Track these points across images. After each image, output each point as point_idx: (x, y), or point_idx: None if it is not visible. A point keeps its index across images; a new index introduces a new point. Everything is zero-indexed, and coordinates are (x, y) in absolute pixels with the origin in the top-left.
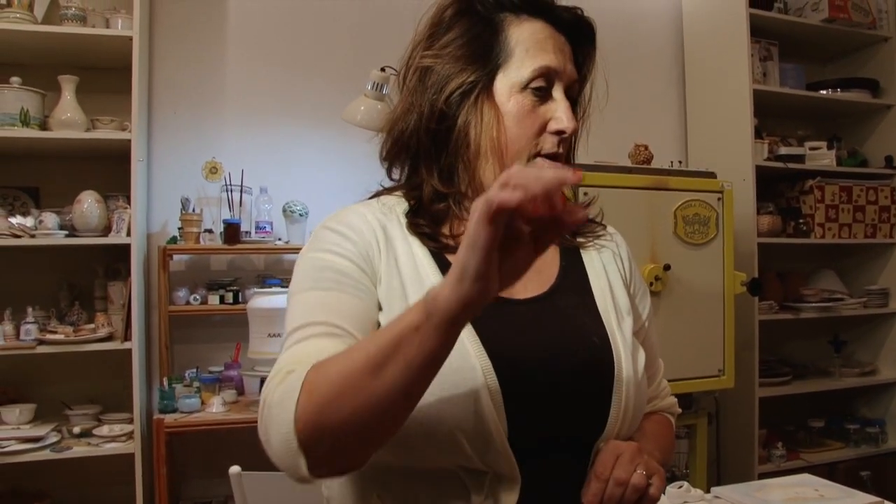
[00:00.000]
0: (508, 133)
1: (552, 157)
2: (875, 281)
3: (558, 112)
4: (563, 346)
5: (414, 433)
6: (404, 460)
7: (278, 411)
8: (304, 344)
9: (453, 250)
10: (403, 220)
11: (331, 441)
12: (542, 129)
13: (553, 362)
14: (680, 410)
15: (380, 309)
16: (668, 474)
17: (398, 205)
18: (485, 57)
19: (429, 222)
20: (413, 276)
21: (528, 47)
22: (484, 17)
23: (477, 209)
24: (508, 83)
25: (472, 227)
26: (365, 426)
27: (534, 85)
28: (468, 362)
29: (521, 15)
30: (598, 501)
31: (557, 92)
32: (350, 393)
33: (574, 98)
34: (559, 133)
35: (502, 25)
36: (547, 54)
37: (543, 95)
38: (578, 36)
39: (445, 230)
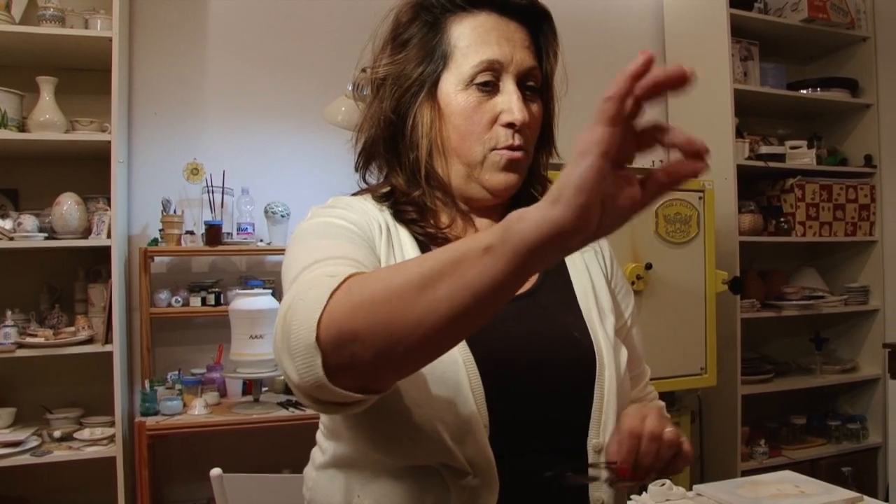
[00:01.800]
0: (458, 130)
1: (509, 148)
2: (855, 279)
3: (507, 104)
4: (545, 343)
5: (396, 424)
6: (387, 455)
7: (307, 303)
8: (324, 268)
9: (440, 240)
10: (390, 212)
11: (354, 349)
12: (494, 122)
13: (535, 358)
14: (668, 416)
15: None
16: None
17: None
18: (428, 60)
19: (414, 209)
20: None
21: (468, 43)
22: (430, 23)
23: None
24: (453, 82)
25: (584, 135)
26: (395, 342)
27: (479, 80)
28: (451, 356)
29: (462, 12)
30: (633, 459)
31: (507, 83)
32: (389, 303)
33: (534, 86)
34: (510, 125)
35: (444, 26)
36: (489, 47)
37: (491, 89)
38: (533, 20)
39: (431, 222)
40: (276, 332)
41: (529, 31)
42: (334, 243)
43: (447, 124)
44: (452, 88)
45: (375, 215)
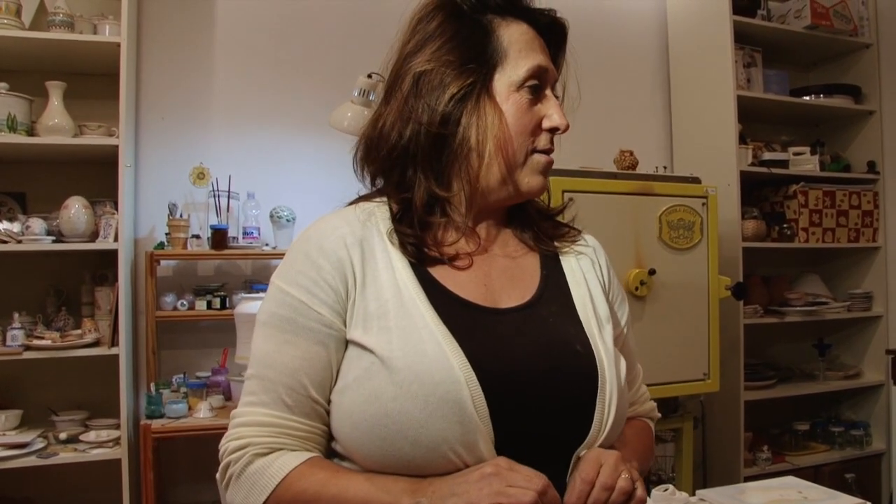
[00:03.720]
0: (509, 131)
1: (547, 152)
2: (859, 285)
3: (550, 110)
4: (548, 355)
5: (400, 445)
6: (399, 472)
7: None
8: (255, 411)
9: (436, 261)
10: (384, 229)
11: None
12: (538, 127)
13: (540, 372)
14: (659, 415)
15: (360, 325)
16: (653, 478)
17: (378, 211)
18: (479, 58)
19: (415, 230)
20: (393, 290)
21: (520, 47)
22: (471, 18)
23: None
24: (506, 82)
25: None
26: None
27: (530, 83)
28: (451, 375)
29: (506, 17)
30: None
31: (548, 90)
32: None
33: (557, 96)
34: (553, 130)
35: (492, 26)
36: (537, 54)
37: (538, 94)
38: (553, 37)
39: (430, 238)
40: (222, 480)
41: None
42: (279, 347)
43: (500, 125)
44: (504, 90)
45: (351, 249)
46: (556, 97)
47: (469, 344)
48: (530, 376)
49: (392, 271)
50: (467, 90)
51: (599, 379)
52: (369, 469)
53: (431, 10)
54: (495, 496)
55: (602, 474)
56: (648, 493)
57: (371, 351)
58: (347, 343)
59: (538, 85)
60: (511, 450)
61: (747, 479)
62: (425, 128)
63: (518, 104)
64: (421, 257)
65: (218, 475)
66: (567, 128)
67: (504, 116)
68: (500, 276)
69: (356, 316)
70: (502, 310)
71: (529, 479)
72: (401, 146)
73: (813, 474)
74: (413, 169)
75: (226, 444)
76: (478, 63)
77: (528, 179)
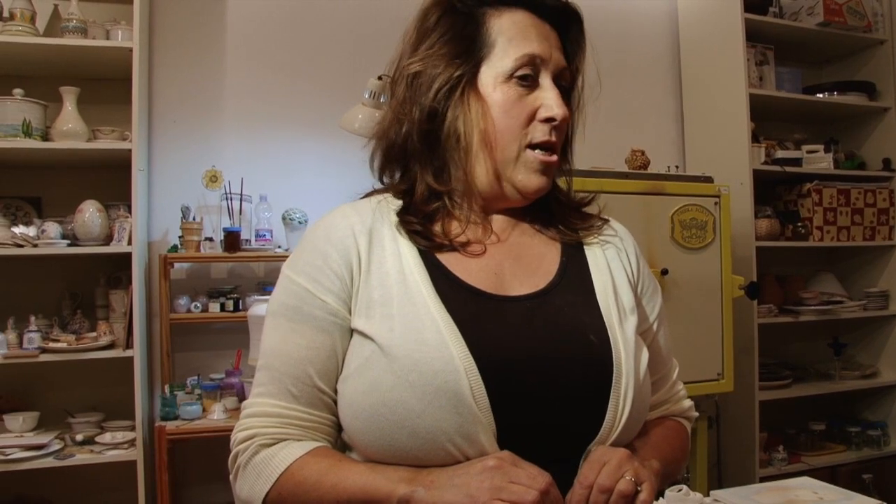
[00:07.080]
0: (497, 124)
1: (545, 145)
2: (874, 283)
3: (547, 100)
4: (557, 346)
5: (397, 435)
6: (398, 462)
7: (248, 495)
8: (262, 402)
9: (445, 248)
10: (395, 219)
11: None
12: (532, 118)
13: (544, 362)
14: (696, 414)
15: (363, 313)
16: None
17: (390, 203)
18: (467, 51)
19: (420, 220)
20: (398, 277)
21: (510, 37)
22: (464, 13)
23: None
24: (493, 74)
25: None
26: None
27: (519, 73)
28: (451, 365)
29: (501, 7)
30: None
31: (545, 80)
32: None
33: (566, 86)
34: (549, 120)
35: (483, 18)
36: (530, 42)
37: (530, 84)
38: (565, 23)
39: (437, 228)
40: (232, 471)
41: (559, 33)
42: (287, 337)
43: (485, 118)
44: (491, 81)
45: (358, 238)
46: (565, 86)
47: (472, 332)
48: (536, 366)
49: (399, 258)
50: (454, 83)
51: (615, 371)
52: (371, 459)
53: (428, 8)
54: (496, 491)
55: (601, 476)
56: (662, 494)
57: (372, 339)
58: (352, 332)
59: (530, 74)
60: (516, 442)
61: (762, 479)
62: (417, 125)
63: (506, 95)
64: (429, 244)
65: (228, 466)
66: (564, 117)
67: (489, 109)
68: (514, 264)
69: (360, 303)
70: (512, 297)
71: (533, 478)
72: (398, 145)
73: (829, 475)
74: (413, 164)
75: (235, 435)
76: (465, 56)
77: (522, 177)
